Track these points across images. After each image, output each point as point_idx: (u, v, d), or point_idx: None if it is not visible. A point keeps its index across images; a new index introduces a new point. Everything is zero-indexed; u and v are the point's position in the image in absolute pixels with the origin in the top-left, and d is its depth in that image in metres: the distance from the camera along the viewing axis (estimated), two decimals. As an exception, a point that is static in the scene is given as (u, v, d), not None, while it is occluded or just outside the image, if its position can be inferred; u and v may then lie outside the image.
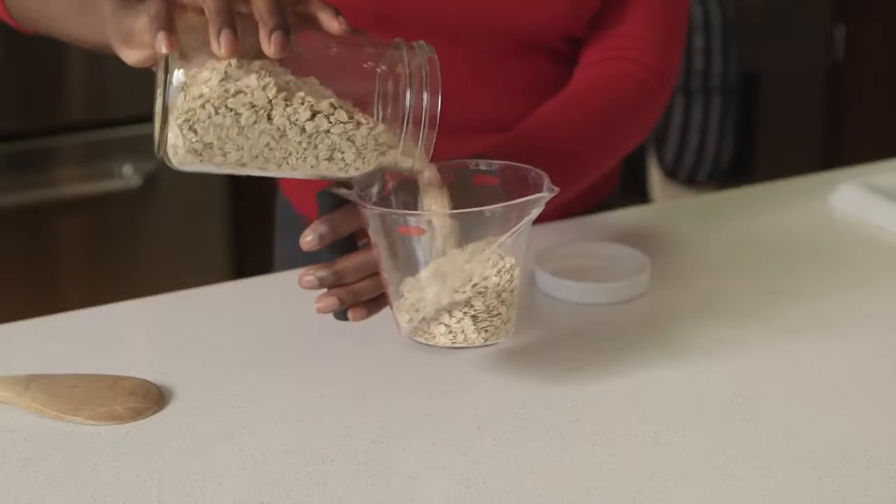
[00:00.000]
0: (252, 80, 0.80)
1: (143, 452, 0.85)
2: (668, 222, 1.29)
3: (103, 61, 1.97)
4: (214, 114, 0.80)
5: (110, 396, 0.90)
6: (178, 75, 0.80)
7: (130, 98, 1.99)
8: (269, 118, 0.81)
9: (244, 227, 2.15)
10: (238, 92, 0.80)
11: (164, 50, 0.78)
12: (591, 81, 1.16)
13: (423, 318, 0.87)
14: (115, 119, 2.00)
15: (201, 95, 0.80)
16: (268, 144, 0.82)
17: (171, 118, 0.80)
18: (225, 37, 0.78)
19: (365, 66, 0.84)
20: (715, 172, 2.44)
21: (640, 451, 0.85)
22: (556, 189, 0.86)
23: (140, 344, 1.05)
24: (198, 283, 1.13)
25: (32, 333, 1.04)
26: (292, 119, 0.82)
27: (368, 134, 0.84)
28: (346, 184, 0.88)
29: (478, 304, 0.87)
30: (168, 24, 0.79)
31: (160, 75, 0.81)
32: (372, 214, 0.86)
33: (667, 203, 2.06)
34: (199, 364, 0.97)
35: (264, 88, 0.81)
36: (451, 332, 0.87)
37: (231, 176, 0.88)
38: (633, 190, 2.39)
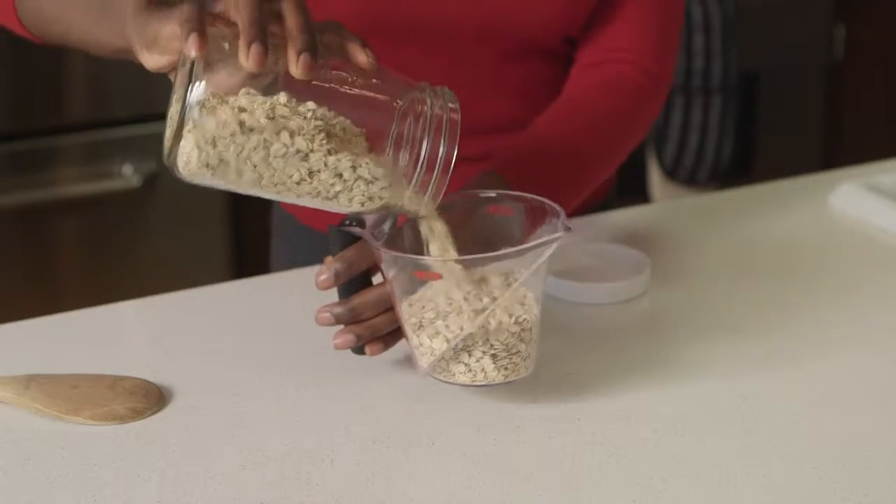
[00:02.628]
0: (299, 121, 0.79)
1: (143, 452, 0.85)
2: (668, 222, 1.29)
3: (103, 61, 1.97)
4: (240, 133, 0.79)
5: (110, 396, 0.90)
6: (200, 86, 0.78)
7: (130, 98, 1.99)
8: (305, 157, 0.81)
9: (244, 227, 2.15)
10: (282, 128, 0.79)
11: (193, 52, 0.77)
12: (590, 88, 1.16)
13: (443, 357, 0.87)
14: (115, 119, 2.00)
15: (235, 110, 0.78)
16: (291, 176, 0.81)
17: (189, 126, 0.79)
18: (255, 49, 0.77)
19: (385, 101, 0.83)
20: (715, 172, 2.44)
21: (640, 451, 0.85)
22: (572, 228, 0.86)
23: (140, 344, 1.05)
24: (198, 283, 1.13)
25: (32, 333, 1.04)
26: (330, 164, 0.81)
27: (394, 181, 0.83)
28: (359, 219, 0.88)
29: (497, 343, 0.86)
30: (200, 26, 0.78)
31: (180, 81, 0.80)
32: (387, 256, 0.86)
33: (667, 203, 2.06)
34: (199, 364, 0.97)
35: (312, 138, 0.80)
36: (470, 370, 0.87)
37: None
38: (633, 190, 2.39)
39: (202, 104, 0.78)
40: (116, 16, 0.87)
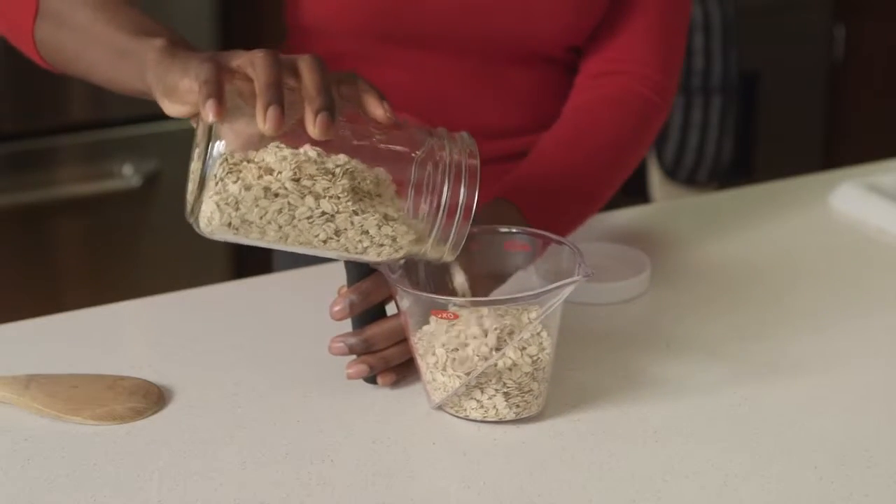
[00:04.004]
0: (325, 182, 0.79)
1: (143, 452, 0.85)
2: (668, 222, 1.29)
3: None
4: (263, 197, 0.78)
5: (110, 396, 0.90)
6: (220, 146, 0.78)
7: (130, 98, 1.99)
8: (331, 219, 0.80)
9: (244, 227, 2.15)
10: (308, 193, 0.79)
11: (211, 119, 0.77)
12: (595, 105, 1.15)
13: (455, 393, 0.87)
14: (115, 119, 2.00)
15: (258, 170, 0.78)
16: (318, 236, 0.81)
17: (210, 188, 0.78)
18: (272, 112, 0.76)
19: (404, 152, 0.83)
20: (715, 172, 2.44)
21: (640, 451, 0.85)
22: (592, 272, 0.86)
23: (140, 344, 1.05)
24: (198, 283, 1.13)
25: (32, 333, 1.04)
26: (356, 223, 0.81)
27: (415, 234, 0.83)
28: None
29: (511, 382, 0.86)
30: (219, 91, 0.77)
31: (200, 136, 0.79)
32: (403, 292, 0.86)
33: (667, 203, 2.06)
34: (199, 364, 0.97)
35: (338, 199, 0.79)
36: (482, 407, 0.87)
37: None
38: (633, 190, 2.39)
39: (223, 163, 0.78)
40: (137, 61, 0.88)
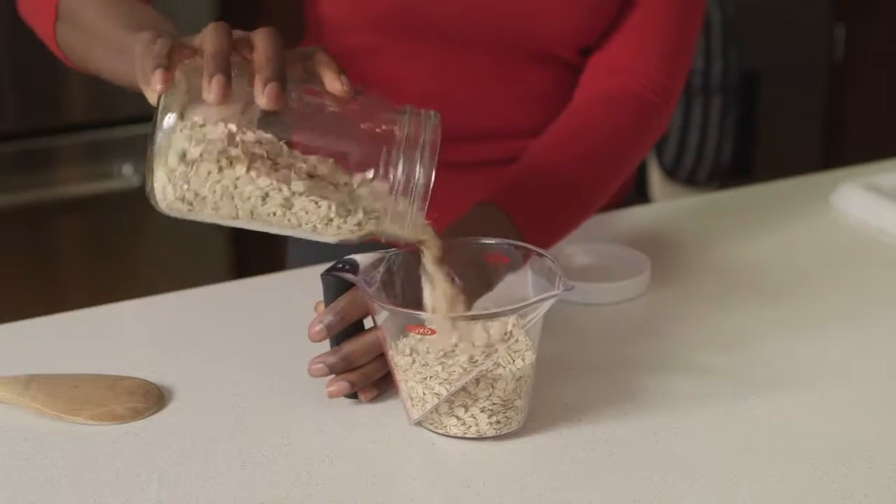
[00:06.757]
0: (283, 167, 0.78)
1: (143, 452, 0.85)
2: (668, 222, 1.29)
3: (103, 61, 1.97)
4: (217, 171, 0.77)
5: (110, 396, 0.90)
6: (169, 119, 0.77)
7: (130, 98, 1.98)
8: (288, 204, 0.79)
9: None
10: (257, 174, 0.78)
11: (158, 86, 0.76)
12: (591, 108, 1.13)
13: (435, 410, 0.86)
14: (115, 119, 2.00)
15: (208, 149, 0.77)
16: (274, 213, 0.80)
17: (162, 160, 0.77)
18: (216, 82, 0.75)
19: (364, 128, 0.81)
20: (715, 172, 2.44)
21: (640, 451, 0.85)
22: (572, 286, 0.85)
23: (140, 344, 1.05)
24: (198, 283, 1.13)
25: (32, 333, 1.04)
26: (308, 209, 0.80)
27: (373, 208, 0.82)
28: (352, 264, 0.87)
29: (491, 396, 0.85)
30: (166, 61, 0.77)
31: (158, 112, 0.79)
32: (380, 308, 0.85)
33: (667, 203, 2.06)
34: (199, 364, 0.97)
35: (289, 182, 0.78)
36: (464, 424, 0.86)
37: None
38: (633, 190, 2.39)
39: (170, 136, 0.77)
40: (130, 56, 0.88)
